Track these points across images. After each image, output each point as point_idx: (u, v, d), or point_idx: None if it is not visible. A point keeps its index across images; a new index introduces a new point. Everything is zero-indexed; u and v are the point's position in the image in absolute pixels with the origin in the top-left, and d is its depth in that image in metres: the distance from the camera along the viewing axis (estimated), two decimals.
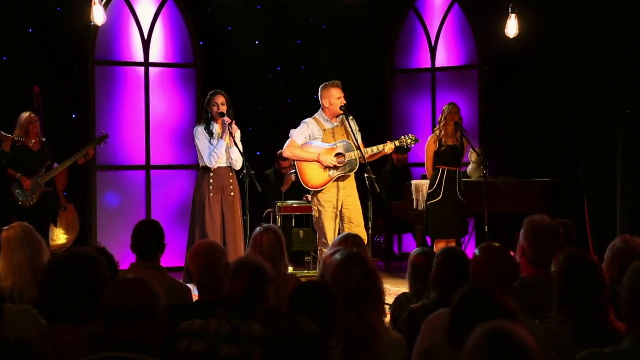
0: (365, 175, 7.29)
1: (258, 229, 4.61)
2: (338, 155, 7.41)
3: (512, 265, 3.57)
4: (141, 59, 9.62)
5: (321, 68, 10.35)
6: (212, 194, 7.42)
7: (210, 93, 7.52)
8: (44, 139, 8.46)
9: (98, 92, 9.43)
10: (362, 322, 3.20)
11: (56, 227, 8.80)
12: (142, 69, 9.62)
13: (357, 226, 7.42)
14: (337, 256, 3.39)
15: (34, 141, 8.35)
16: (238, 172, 7.52)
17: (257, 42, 10.42)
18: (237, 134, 7.50)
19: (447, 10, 10.46)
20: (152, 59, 9.66)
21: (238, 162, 7.43)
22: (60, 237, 8.95)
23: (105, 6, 9.31)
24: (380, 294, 3.37)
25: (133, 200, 9.62)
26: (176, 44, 9.87)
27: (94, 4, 8.17)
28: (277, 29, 10.32)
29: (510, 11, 8.54)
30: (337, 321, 2.93)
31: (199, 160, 7.56)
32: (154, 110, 9.67)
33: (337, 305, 2.95)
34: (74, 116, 9.53)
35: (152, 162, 9.67)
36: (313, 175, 7.44)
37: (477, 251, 3.59)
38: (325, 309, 2.89)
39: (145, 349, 2.58)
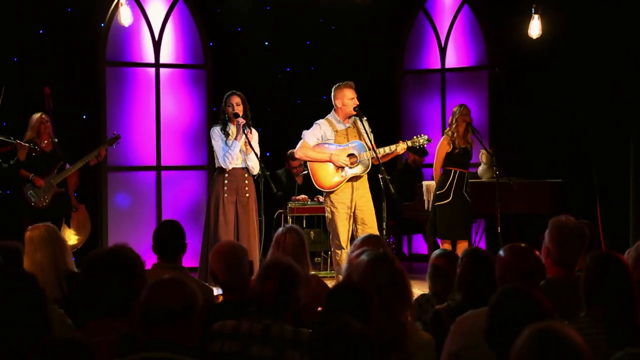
0: (380, 176, 7.30)
1: (280, 229, 4.62)
2: (350, 155, 7.40)
3: (538, 265, 3.57)
4: (152, 59, 9.62)
5: (330, 69, 10.35)
6: (226, 195, 7.43)
7: (226, 94, 7.53)
8: (56, 140, 8.47)
9: (109, 92, 9.42)
10: (392, 322, 3.20)
11: (69, 227, 8.80)
12: (152, 70, 9.61)
13: (370, 227, 7.41)
14: (364, 257, 3.39)
15: (45, 142, 8.35)
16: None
17: (266, 43, 10.42)
18: (254, 137, 7.52)
19: (456, 10, 10.45)
20: (162, 60, 9.66)
21: (255, 168, 7.45)
22: (71, 237, 8.94)
23: (116, 7, 9.35)
24: (409, 294, 3.37)
25: (143, 201, 9.62)
26: (186, 45, 9.88)
27: (121, 4, 8.20)
28: (286, 29, 10.32)
29: (533, 12, 8.55)
30: (374, 322, 2.93)
31: (215, 161, 7.58)
32: (165, 111, 9.67)
33: (374, 306, 2.95)
34: (84, 117, 9.53)
35: (163, 163, 9.66)
36: (325, 176, 7.44)
37: (502, 252, 3.59)
38: (362, 309, 2.89)
39: (184, 349, 2.58)
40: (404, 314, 3.25)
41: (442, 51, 10.60)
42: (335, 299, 2.98)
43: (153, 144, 9.60)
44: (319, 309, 4.48)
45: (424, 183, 9.25)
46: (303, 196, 9.31)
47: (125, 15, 8.29)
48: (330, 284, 5.79)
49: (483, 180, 9.22)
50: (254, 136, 7.57)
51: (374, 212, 7.52)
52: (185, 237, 4.63)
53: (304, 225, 9.54)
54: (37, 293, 2.30)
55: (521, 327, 2.62)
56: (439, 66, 10.63)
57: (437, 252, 4.74)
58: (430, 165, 10.12)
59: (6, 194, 8.39)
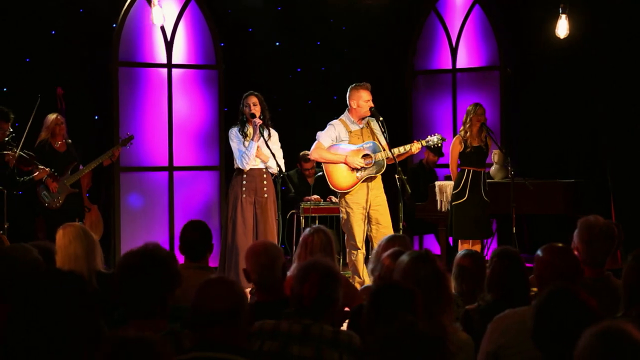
0: (396, 176, 7.31)
1: (308, 229, 4.62)
2: (365, 156, 7.42)
3: (576, 264, 3.58)
4: (164, 60, 9.61)
5: (341, 69, 10.37)
6: (244, 195, 7.43)
7: (244, 94, 7.55)
8: (70, 141, 8.47)
9: (121, 93, 9.41)
10: (433, 322, 3.20)
11: None
12: (164, 70, 9.61)
13: (385, 227, 7.43)
14: (405, 257, 3.39)
15: (60, 142, 8.35)
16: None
17: (277, 44, 10.43)
18: (274, 138, 7.53)
19: (468, 10, 10.45)
20: (174, 61, 9.65)
21: (273, 168, 7.46)
22: None
23: (129, 8, 9.36)
24: (450, 294, 3.38)
25: (156, 201, 9.61)
26: (198, 46, 9.87)
27: (153, 5, 8.23)
28: (297, 30, 10.33)
29: (560, 11, 8.56)
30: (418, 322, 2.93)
31: (234, 162, 7.59)
32: (177, 112, 9.66)
33: (418, 306, 2.95)
34: (96, 117, 9.53)
35: (175, 164, 9.65)
36: (340, 177, 7.45)
37: (540, 251, 3.60)
38: (408, 309, 2.89)
39: (235, 349, 2.58)
40: (444, 314, 3.25)
41: (453, 51, 10.60)
42: (382, 297, 2.98)
43: (165, 145, 9.60)
44: (346, 308, 4.50)
45: (437, 183, 9.24)
46: (315, 197, 9.31)
47: (156, 15, 8.32)
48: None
49: (495, 180, 9.22)
50: (274, 137, 7.59)
51: (388, 212, 7.53)
52: (212, 237, 4.64)
53: None
54: (89, 293, 2.29)
55: (569, 326, 2.64)
56: (450, 66, 10.63)
57: (462, 252, 4.75)
58: (444, 166, 10.13)
59: (19, 195, 8.38)
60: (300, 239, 4.64)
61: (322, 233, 4.55)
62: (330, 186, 7.57)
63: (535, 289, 4.11)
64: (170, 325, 3.02)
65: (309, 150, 9.63)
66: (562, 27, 8.73)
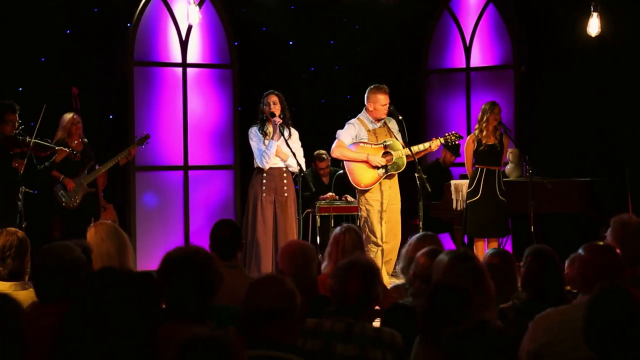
0: (416, 175, 7.36)
1: (338, 228, 4.63)
2: (385, 154, 7.50)
3: (618, 263, 3.57)
4: (179, 59, 9.61)
5: (355, 68, 10.36)
6: (264, 194, 7.44)
7: (265, 93, 7.56)
8: (86, 140, 8.46)
9: (136, 92, 9.41)
10: None
11: None
12: (179, 70, 9.60)
13: (395, 226, 7.62)
14: (444, 256, 3.39)
15: (76, 142, 8.35)
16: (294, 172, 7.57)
17: (290, 43, 10.42)
18: (294, 137, 7.54)
19: (482, 9, 10.45)
20: (189, 60, 9.65)
21: (293, 167, 7.47)
22: None
23: (144, 7, 9.36)
24: (491, 292, 3.37)
25: (171, 200, 9.61)
26: (213, 45, 9.86)
27: (189, 3, 8.23)
28: (310, 29, 10.32)
29: (592, 9, 8.57)
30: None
31: (254, 161, 7.59)
32: (192, 111, 9.66)
33: (473, 305, 2.94)
34: (110, 117, 9.53)
35: (190, 163, 9.65)
36: (362, 175, 7.56)
37: (582, 250, 3.59)
38: (464, 308, 2.88)
39: (287, 347, 2.58)
40: (488, 312, 3.24)
41: (467, 50, 10.59)
42: (440, 298, 2.96)
43: (180, 144, 9.59)
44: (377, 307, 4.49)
45: (452, 182, 9.24)
46: (330, 194, 9.30)
47: (192, 14, 8.34)
48: None
49: (511, 179, 9.21)
50: (294, 135, 7.60)
51: (399, 211, 7.62)
52: (242, 236, 4.63)
53: (332, 225, 9.52)
54: (149, 291, 2.29)
55: (622, 326, 2.63)
56: (463, 65, 10.63)
57: (490, 251, 4.74)
58: (461, 165, 10.13)
59: (36, 194, 8.38)
60: (331, 237, 4.65)
61: (353, 231, 4.56)
62: (352, 183, 7.65)
63: (568, 287, 4.11)
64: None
65: (322, 149, 9.67)
66: (594, 25, 8.72)
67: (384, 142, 7.56)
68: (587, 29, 8.79)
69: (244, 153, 9.42)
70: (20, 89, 8.93)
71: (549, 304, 3.62)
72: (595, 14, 8.66)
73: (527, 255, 4.04)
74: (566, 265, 4.11)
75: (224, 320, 3.23)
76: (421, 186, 7.34)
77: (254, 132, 7.55)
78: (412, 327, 3.44)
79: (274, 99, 7.48)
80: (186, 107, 9.60)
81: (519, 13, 10.05)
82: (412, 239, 4.77)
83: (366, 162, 7.49)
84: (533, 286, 3.94)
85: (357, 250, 4.47)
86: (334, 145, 7.65)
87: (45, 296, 3.31)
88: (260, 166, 7.48)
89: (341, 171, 8.16)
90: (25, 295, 3.97)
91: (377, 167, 7.51)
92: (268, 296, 2.62)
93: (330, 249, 4.59)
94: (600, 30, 8.75)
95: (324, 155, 9.66)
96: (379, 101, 7.51)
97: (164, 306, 3.07)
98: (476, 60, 10.58)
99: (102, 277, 2.28)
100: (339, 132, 7.65)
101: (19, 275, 4.28)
